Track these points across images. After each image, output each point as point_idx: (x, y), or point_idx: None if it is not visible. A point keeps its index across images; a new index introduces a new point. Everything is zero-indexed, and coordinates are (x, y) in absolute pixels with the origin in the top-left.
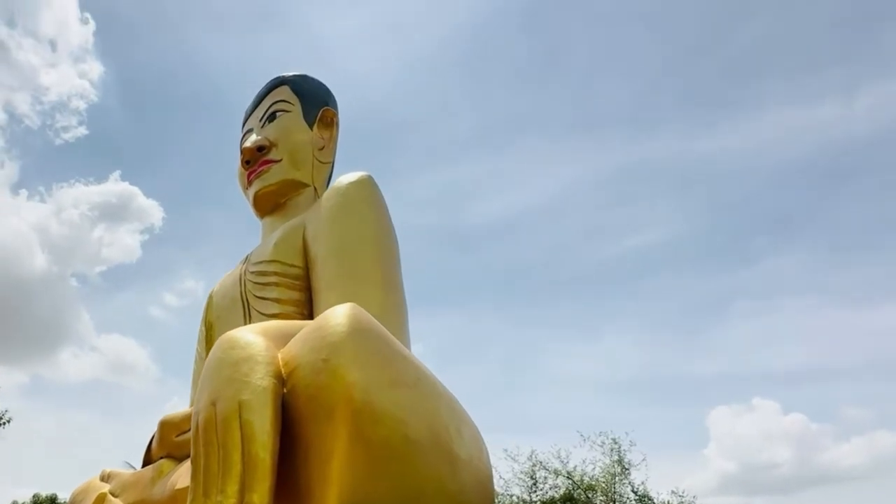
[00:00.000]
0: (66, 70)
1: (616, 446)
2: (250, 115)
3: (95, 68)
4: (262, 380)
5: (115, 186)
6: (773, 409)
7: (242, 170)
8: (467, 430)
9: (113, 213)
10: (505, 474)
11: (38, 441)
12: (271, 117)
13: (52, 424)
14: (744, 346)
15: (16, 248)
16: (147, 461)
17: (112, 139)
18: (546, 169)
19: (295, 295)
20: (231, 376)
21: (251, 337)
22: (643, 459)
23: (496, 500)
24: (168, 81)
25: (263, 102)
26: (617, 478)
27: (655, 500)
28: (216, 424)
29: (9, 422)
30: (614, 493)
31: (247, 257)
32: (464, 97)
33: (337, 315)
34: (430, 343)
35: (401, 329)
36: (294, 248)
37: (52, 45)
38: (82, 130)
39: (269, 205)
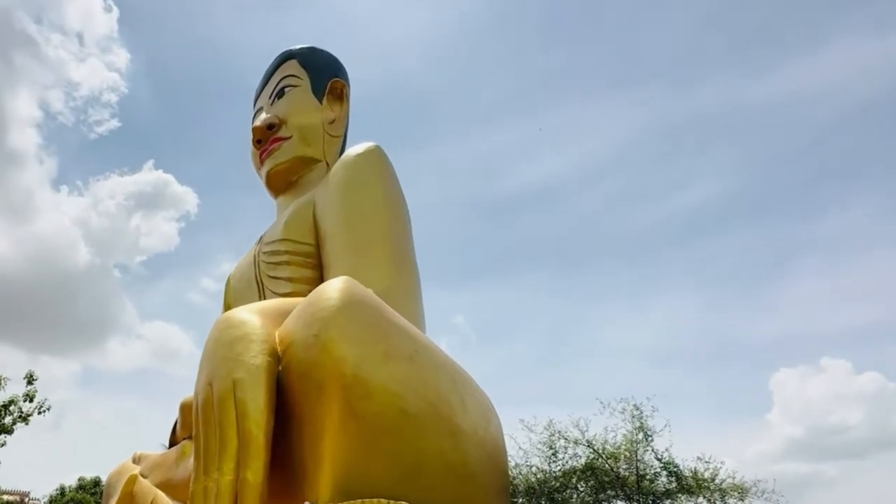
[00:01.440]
0: (94, 63)
1: (637, 413)
2: (260, 92)
3: (122, 56)
4: (255, 358)
5: (149, 175)
6: (844, 370)
7: (254, 150)
8: (472, 402)
9: (148, 201)
10: (524, 445)
11: (91, 428)
12: (280, 94)
13: (103, 412)
14: (811, 303)
15: (60, 243)
16: (172, 443)
17: (144, 129)
18: (586, 130)
19: (307, 273)
20: (225, 356)
21: (246, 316)
22: (665, 426)
23: (514, 471)
24: (195, 65)
25: (272, 79)
26: (639, 445)
27: (681, 467)
28: (213, 404)
29: (48, 409)
30: (637, 460)
31: (260, 238)
32: (497, 61)
33: (329, 289)
34: (471, 317)
35: (411, 301)
36: (305, 226)
37: (80, 37)
38: (115, 123)
39: (281, 183)
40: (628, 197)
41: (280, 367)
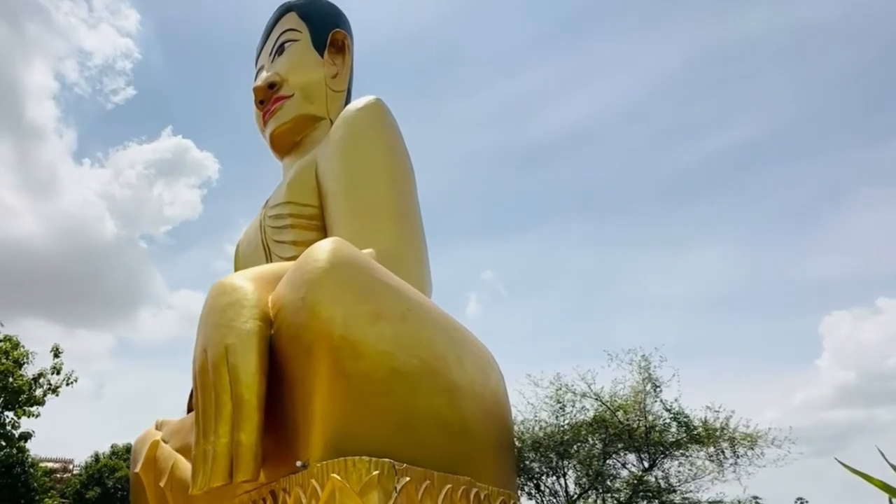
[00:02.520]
0: (106, 30)
1: (645, 363)
2: (261, 50)
3: (132, 18)
4: (246, 323)
5: (167, 142)
6: None
7: (257, 111)
8: (470, 358)
9: (169, 168)
10: (533, 399)
11: (129, 397)
12: (280, 50)
13: (139, 381)
14: (867, 240)
15: (87, 216)
16: (190, 408)
17: (160, 95)
18: (618, 67)
19: (311, 235)
20: (218, 322)
21: (239, 282)
22: (674, 376)
23: (522, 426)
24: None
25: (272, 35)
26: (648, 396)
27: (691, 417)
28: (208, 370)
29: (76, 380)
30: (646, 411)
31: (266, 202)
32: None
33: (317, 251)
34: (500, 271)
35: (416, 261)
36: (307, 187)
37: (88, 2)
38: (130, 91)
39: (286, 144)
40: (667, 136)
41: (272, 331)
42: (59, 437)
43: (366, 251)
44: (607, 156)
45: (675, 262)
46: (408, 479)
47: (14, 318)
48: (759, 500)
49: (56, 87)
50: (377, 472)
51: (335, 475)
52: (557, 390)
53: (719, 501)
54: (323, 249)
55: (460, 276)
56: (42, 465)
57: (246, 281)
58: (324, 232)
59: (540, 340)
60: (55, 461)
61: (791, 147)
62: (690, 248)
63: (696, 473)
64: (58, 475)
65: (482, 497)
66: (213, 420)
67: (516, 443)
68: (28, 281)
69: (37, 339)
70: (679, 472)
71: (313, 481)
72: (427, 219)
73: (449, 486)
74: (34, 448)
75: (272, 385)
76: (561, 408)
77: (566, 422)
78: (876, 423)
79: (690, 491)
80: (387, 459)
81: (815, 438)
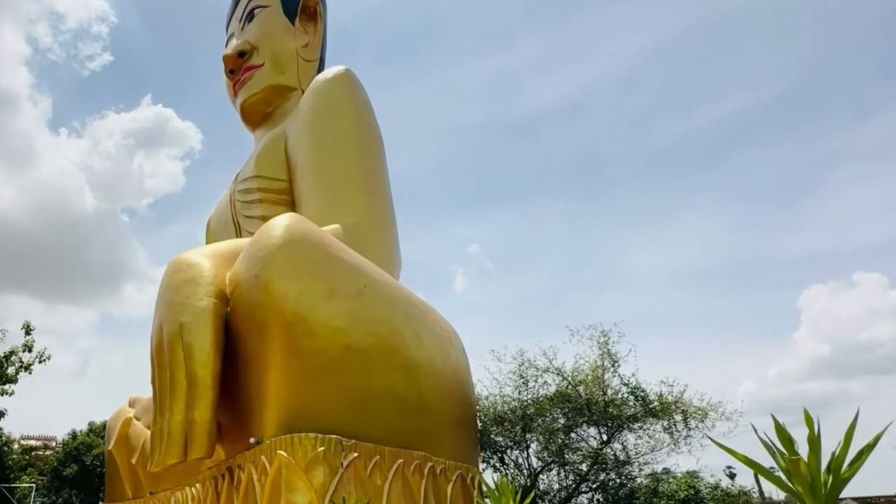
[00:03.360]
0: None
1: (604, 339)
2: (231, 16)
3: None
4: (200, 301)
5: (147, 111)
6: (878, 283)
7: (228, 80)
8: (429, 335)
9: (150, 138)
10: (497, 375)
11: (114, 374)
12: (250, 16)
13: (124, 357)
14: (848, 216)
15: (66, 188)
16: None
17: (138, 61)
18: (610, 38)
19: (281, 210)
20: (172, 300)
21: (195, 259)
22: (630, 351)
23: (487, 401)
24: None
25: (241, 0)
26: (606, 371)
27: (648, 392)
28: (164, 347)
29: (49, 358)
30: (605, 386)
31: (237, 175)
32: None
33: (271, 228)
34: (488, 245)
35: (383, 234)
36: (276, 161)
37: None
38: (107, 57)
39: (257, 115)
40: (654, 111)
41: (228, 308)
42: (43, 414)
43: (331, 226)
44: (596, 129)
45: (660, 235)
46: (356, 454)
47: None
48: (732, 470)
49: (28, 51)
50: (323, 448)
51: (282, 452)
52: (520, 366)
53: (666, 471)
54: (278, 226)
55: (447, 250)
56: (25, 442)
57: (203, 258)
58: (293, 206)
59: (527, 314)
60: (37, 439)
61: (776, 124)
62: (675, 221)
63: (653, 446)
64: (39, 452)
65: (438, 471)
66: (168, 398)
67: (481, 417)
68: (7, 256)
69: (19, 316)
70: (637, 444)
71: (263, 458)
72: (414, 192)
73: (401, 460)
74: (17, 426)
75: (230, 362)
76: (524, 383)
77: (529, 397)
78: (848, 395)
79: (647, 463)
80: (333, 436)
81: (789, 409)
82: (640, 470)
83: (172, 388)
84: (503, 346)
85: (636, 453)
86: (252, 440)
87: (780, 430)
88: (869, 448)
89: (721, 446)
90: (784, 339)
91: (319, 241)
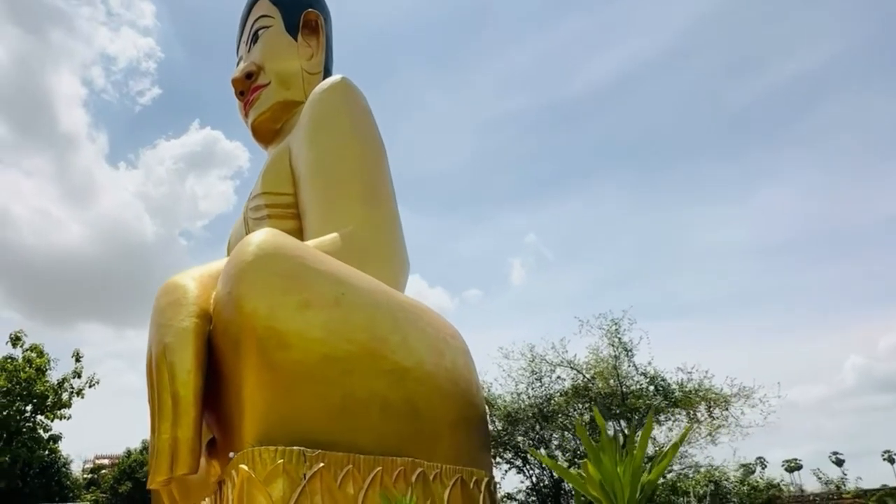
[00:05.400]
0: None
1: (615, 328)
2: (239, 40)
3: (148, 10)
4: (182, 322)
5: (196, 135)
6: None
7: (239, 102)
8: (418, 337)
9: (199, 160)
10: (512, 373)
11: None
12: (254, 38)
13: None
14: None
15: (127, 218)
16: None
17: (185, 89)
18: (664, 6)
19: (288, 224)
20: (159, 322)
21: (181, 281)
22: (641, 338)
23: (501, 400)
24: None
25: (247, 24)
26: (619, 360)
27: (668, 379)
28: (152, 368)
29: (98, 382)
30: (620, 377)
31: (250, 194)
32: None
33: (245, 244)
34: (545, 234)
35: (384, 236)
36: (282, 175)
37: (105, 2)
38: (156, 90)
39: (267, 133)
40: (719, 75)
41: (211, 327)
42: (114, 434)
43: (328, 236)
44: (655, 103)
45: (733, 209)
46: (321, 465)
47: (71, 323)
48: (798, 462)
49: (85, 93)
50: (282, 460)
51: (243, 466)
52: (531, 361)
53: (700, 466)
54: (250, 242)
55: (502, 243)
56: (98, 461)
57: (190, 279)
58: (300, 219)
59: (595, 301)
60: (108, 458)
61: (859, 75)
62: (750, 194)
63: (687, 439)
64: (105, 471)
65: (431, 476)
66: (157, 417)
67: (500, 417)
68: (78, 287)
69: (92, 343)
70: (668, 437)
71: (233, 472)
72: (464, 187)
73: (378, 468)
74: (90, 446)
75: (216, 379)
76: (537, 379)
77: (543, 392)
78: None
79: (685, 457)
80: (296, 447)
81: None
82: (672, 466)
83: (160, 408)
84: (523, 341)
85: (667, 446)
86: (231, 455)
87: (599, 423)
88: (675, 447)
89: (538, 455)
90: (893, 310)
91: (293, 253)
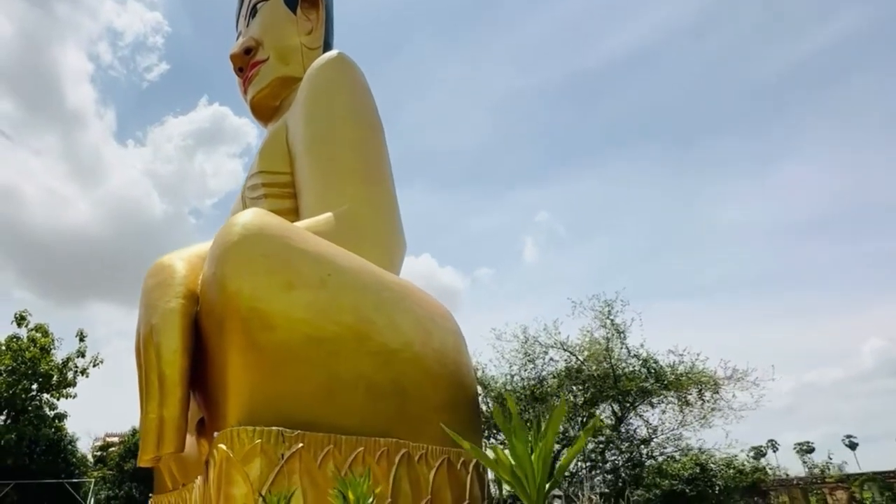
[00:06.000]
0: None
1: (607, 309)
2: (238, 16)
3: None
4: (168, 303)
5: (204, 111)
6: None
7: (238, 79)
8: (405, 318)
9: (208, 137)
10: (506, 354)
11: None
12: (253, 12)
13: None
14: None
15: (136, 197)
16: None
17: (193, 65)
18: None
19: (286, 204)
20: (146, 303)
21: (168, 262)
22: (633, 320)
23: (495, 381)
24: None
25: None
26: (611, 342)
27: (660, 362)
28: (140, 349)
29: (102, 362)
30: (614, 358)
31: (248, 172)
32: None
33: (229, 225)
34: (558, 211)
35: (379, 217)
36: (279, 154)
37: None
38: (164, 66)
39: (267, 110)
40: (746, 45)
41: (198, 308)
42: (124, 413)
43: (323, 216)
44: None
45: (757, 185)
46: (300, 445)
47: (81, 302)
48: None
49: (91, 68)
50: (260, 440)
51: (221, 445)
52: (524, 343)
53: (688, 449)
54: (235, 223)
55: (514, 220)
56: (109, 439)
57: (178, 260)
58: (297, 198)
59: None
60: (118, 436)
61: (886, 48)
62: (776, 167)
63: (682, 420)
64: (113, 450)
65: (417, 457)
66: (144, 397)
67: (493, 398)
68: (89, 266)
69: (105, 322)
70: (663, 419)
71: (215, 451)
72: (476, 164)
73: (360, 449)
74: (103, 423)
75: (204, 359)
76: (530, 360)
77: (536, 374)
78: None
79: (678, 439)
80: (275, 428)
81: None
82: (664, 448)
83: (147, 388)
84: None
85: (662, 430)
86: (215, 434)
87: (509, 412)
88: (587, 431)
89: (454, 436)
90: None
91: (278, 234)
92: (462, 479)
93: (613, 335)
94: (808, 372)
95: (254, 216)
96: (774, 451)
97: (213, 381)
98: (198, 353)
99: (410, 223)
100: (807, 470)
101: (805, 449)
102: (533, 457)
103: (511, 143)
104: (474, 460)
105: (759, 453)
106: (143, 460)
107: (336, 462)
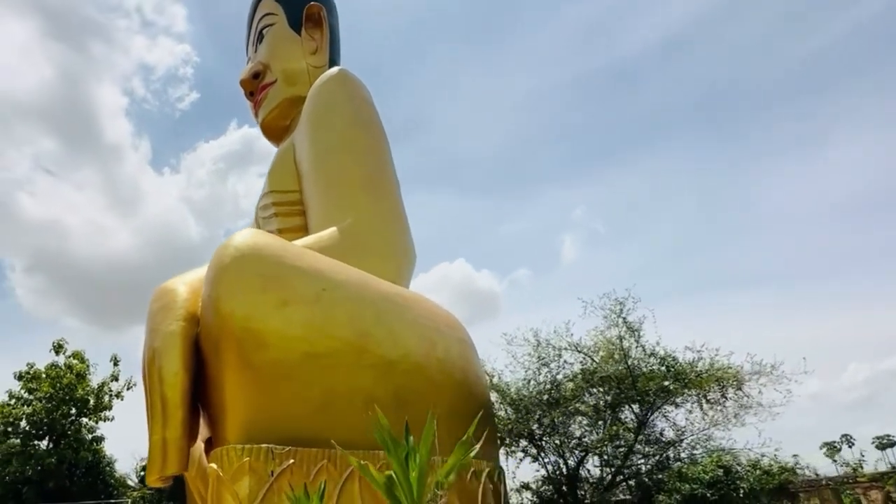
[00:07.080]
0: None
1: (619, 307)
2: (247, 42)
3: (179, 14)
4: (169, 326)
5: (234, 135)
6: None
7: (250, 103)
8: (406, 329)
9: (238, 159)
10: (520, 358)
11: None
12: (260, 37)
13: None
14: None
15: (173, 223)
16: None
17: (222, 92)
18: None
19: (296, 221)
20: (149, 327)
21: (171, 286)
22: (644, 318)
23: (507, 387)
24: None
25: (252, 24)
26: (623, 341)
27: (680, 359)
28: (145, 372)
29: (135, 384)
30: (629, 359)
31: (260, 193)
32: None
33: (223, 246)
34: (595, 207)
35: (385, 230)
36: (287, 173)
37: (139, 12)
38: (194, 95)
39: (277, 130)
40: (783, 25)
41: (198, 330)
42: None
43: (327, 231)
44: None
45: (804, 168)
46: (291, 461)
47: (125, 328)
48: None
49: (126, 102)
50: (248, 458)
51: (212, 465)
52: (535, 347)
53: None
54: (228, 244)
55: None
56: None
57: (181, 283)
58: (305, 216)
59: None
60: None
61: None
62: (822, 149)
63: (711, 420)
64: None
65: None
66: (150, 419)
67: (511, 406)
68: (131, 293)
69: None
70: (690, 419)
71: (209, 470)
72: (508, 166)
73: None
74: (137, 446)
75: (203, 382)
76: (544, 364)
77: (550, 378)
78: None
79: (709, 440)
80: (264, 445)
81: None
82: (694, 450)
83: (152, 410)
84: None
85: (691, 431)
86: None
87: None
88: (463, 445)
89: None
90: None
91: (271, 252)
92: (472, 490)
93: (626, 334)
94: (885, 360)
95: (247, 236)
96: (850, 447)
97: (214, 402)
98: (202, 374)
99: (442, 230)
100: (843, 468)
101: (885, 443)
102: (411, 475)
103: (543, 142)
104: (487, 469)
105: (832, 449)
106: (150, 480)
107: (331, 477)
